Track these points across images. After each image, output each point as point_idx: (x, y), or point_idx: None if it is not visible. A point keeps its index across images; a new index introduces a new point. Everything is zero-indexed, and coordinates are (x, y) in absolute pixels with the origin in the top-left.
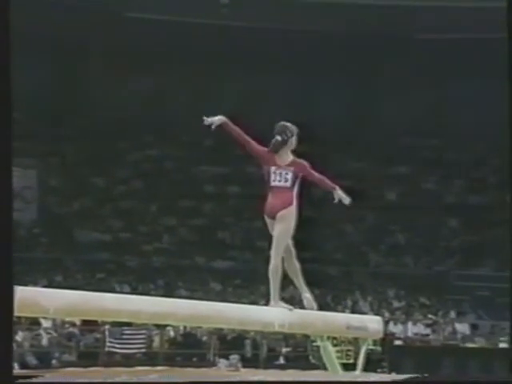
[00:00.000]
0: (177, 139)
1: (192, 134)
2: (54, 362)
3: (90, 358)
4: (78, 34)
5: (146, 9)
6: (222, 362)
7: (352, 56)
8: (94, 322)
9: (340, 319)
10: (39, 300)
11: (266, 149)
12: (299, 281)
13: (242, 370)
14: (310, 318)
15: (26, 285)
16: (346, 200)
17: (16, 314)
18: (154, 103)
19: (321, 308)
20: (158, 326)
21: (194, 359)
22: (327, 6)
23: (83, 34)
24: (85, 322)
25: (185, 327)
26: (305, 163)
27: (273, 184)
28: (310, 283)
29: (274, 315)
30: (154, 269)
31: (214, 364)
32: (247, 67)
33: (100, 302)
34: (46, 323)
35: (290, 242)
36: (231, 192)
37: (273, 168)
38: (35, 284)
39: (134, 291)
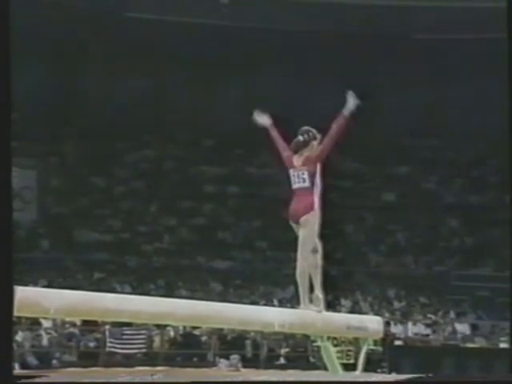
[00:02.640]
0: (176, 139)
1: (192, 134)
2: (54, 362)
3: (90, 358)
4: (77, 35)
5: (146, 9)
6: (223, 362)
7: (351, 56)
8: (95, 323)
9: (340, 319)
10: (40, 300)
11: (289, 153)
12: (316, 277)
13: (243, 370)
14: (310, 318)
15: (26, 285)
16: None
17: (16, 314)
18: (153, 103)
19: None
20: (158, 326)
21: (195, 359)
22: (327, 6)
23: (83, 35)
24: (85, 323)
25: (185, 327)
26: (313, 154)
27: (294, 186)
28: (311, 283)
29: (274, 315)
30: (155, 269)
31: (214, 364)
32: (247, 67)
33: (100, 303)
34: (46, 323)
35: (318, 242)
36: (231, 192)
37: (291, 170)
38: (35, 284)
39: (135, 291)
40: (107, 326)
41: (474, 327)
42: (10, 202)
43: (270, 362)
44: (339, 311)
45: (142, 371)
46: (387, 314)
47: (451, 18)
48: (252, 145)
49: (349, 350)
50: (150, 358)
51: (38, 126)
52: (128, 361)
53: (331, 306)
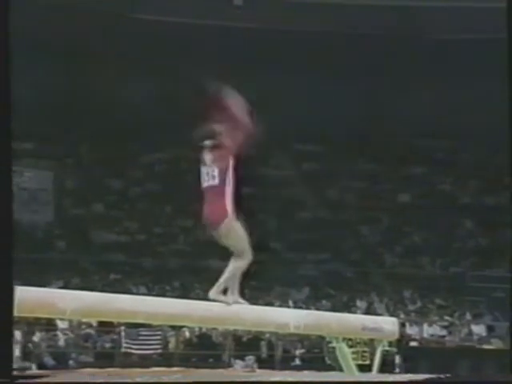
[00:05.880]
0: (191, 140)
1: None
2: (71, 362)
3: (106, 358)
4: (90, 35)
5: (160, 10)
6: (238, 363)
7: (365, 56)
8: (111, 323)
9: (355, 320)
10: (56, 301)
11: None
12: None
13: (258, 370)
14: (325, 319)
15: (42, 286)
16: None
17: (33, 314)
18: (167, 104)
19: (337, 309)
20: (173, 327)
21: (210, 360)
22: (339, 7)
23: (95, 35)
24: (101, 323)
25: (200, 328)
26: (227, 154)
27: (204, 185)
28: (327, 284)
29: (290, 316)
30: (170, 270)
31: (229, 365)
32: (260, 68)
33: (117, 304)
34: (62, 324)
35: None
36: (246, 193)
37: (202, 168)
38: (51, 285)
39: (150, 292)
40: (123, 327)
41: (490, 328)
42: (10, 202)
43: (286, 363)
44: (354, 312)
45: (157, 372)
46: (402, 315)
47: (464, 19)
48: (267, 146)
49: (364, 351)
50: (165, 359)
51: (53, 128)
52: (144, 361)
53: (346, 307)
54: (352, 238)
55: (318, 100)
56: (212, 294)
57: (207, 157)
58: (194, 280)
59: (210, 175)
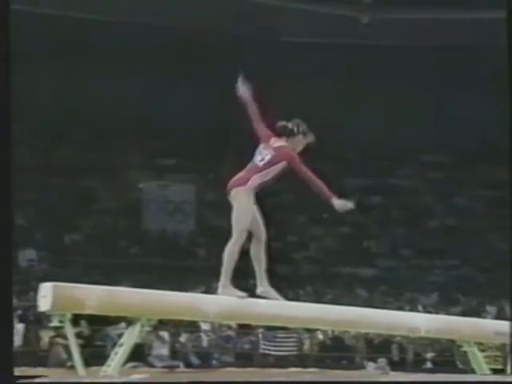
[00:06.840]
0: (323, 153)
1: (337, 148)
2: (214, 362)
3: (246, 359)
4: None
5: (296, 33)
6: (370, 365)
7: (489, 67)
8: (249, 326)
9: (487, 325)
10: (200, 305)
11: (268, 132)
12: (260, 271)
13: (391, 373)
14: (455, 323)
15: (185, 291)
16: (349, 205)
17: (179, 317)
18: (301, 117)
19: (466, 314)
20: (308, 330)
21: (343, 362)
22: (457, 22)
23: (227, 55)
24: (241, 326)
25: (333, 331)
26: (292, 155)
27: (253, 160)
28: (456, 289)
29: (420, 320)
30: (303, 276)
31: (362, 367)
32: (387, 83)
33: (256, 308)
34: (205, 326)
35: (260, 230)
36: (375, 202)
37: (262, 145)
38: (194, 290)
39: (285, 297)
40: (261, 330)
41: None
42: (10, 203)
43: (417, 366)
44: (484, 317)
45: (294, 372)
46: None
47: None
48: (395, 157)
49: (496, 356)
50: (300, 360)
51: (197, 145)
52: (280, 362)
53: (476, 312)
54: (481, 245)
55: (444, 111)
56: (221, 290)
57: (274, 142)
58: (325, 285)
59: (261, 155)
